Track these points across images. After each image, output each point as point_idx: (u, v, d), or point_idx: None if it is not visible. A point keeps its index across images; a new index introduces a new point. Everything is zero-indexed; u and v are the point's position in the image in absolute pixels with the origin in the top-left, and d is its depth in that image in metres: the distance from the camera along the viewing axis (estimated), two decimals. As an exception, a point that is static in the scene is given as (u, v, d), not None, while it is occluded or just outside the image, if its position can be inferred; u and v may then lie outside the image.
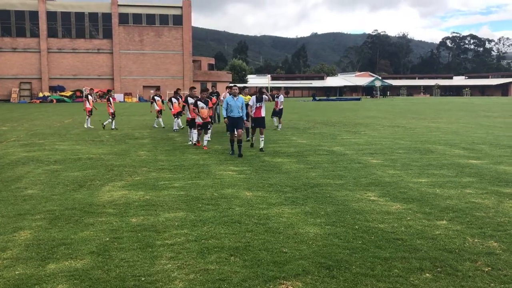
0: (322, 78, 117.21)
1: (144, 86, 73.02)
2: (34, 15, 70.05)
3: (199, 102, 14.17)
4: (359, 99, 78.94)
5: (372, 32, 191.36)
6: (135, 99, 70.88)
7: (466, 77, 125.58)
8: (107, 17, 71.98)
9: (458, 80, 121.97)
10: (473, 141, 15.67)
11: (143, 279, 4.40)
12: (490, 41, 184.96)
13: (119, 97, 69.26)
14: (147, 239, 5.59)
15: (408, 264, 4.68)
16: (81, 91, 67.97)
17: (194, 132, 15.04)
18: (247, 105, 13.98)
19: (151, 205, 7.23)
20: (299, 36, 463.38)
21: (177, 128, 20.72)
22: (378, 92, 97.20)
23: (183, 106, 17.02)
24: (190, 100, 15.28)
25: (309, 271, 4.53)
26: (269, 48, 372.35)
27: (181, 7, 73.36)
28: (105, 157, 12.56)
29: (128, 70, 72.70)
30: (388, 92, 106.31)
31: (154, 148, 14.52)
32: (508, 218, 6.36)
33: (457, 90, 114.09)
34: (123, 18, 72.33)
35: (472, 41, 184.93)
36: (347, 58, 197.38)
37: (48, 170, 10.60)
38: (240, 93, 14.58)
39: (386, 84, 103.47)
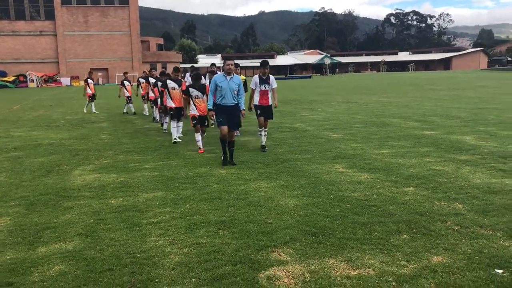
0: (272, 56, 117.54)
1: (91, 69, 70.57)
2: (-33, -5, 65.91)
3: (191, 89, 10.29)
4: (309, 77, 79.96)
5: (319, 10, 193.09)
6: (82, 83, 68.47)
7: (411, 53, 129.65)
8: (48, -3, 68.73)
9: (403, 56, 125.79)
10: (424, 114, 16.46)
11: (138, 255, 4.52)
12: (431, 17, 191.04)
13: (65, 81, 66.84)
14: (132, 219, 5.67)
15: (386, 227, 5.04)
16: (25, 76, 65.07)
17: (174, 126, 11.95)
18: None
19: (127, 187, 7.26)
20: (247, 15, 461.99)
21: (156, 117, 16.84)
22: (328, 70, 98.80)
23: (161, 91, 12.81)
24: (171, 84, 12.10)
25: (297, 238, 4.80)
26: (217, 27, 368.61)
27: (126, -14, 71.09)
28: (66, 142, 12.31)
29: (73, 52, 70.05)
30: (337, 69, 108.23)
31: (115, 132, 14.34)
32: (467, 182, 6.88)
33: (402, 66, 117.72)
34: (66, -2, 69.31)
35: (414, 17, 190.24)
36: (295, 36, 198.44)
37: (10, 157, 10.31)
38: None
39: (335, 61, 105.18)
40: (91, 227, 5.42)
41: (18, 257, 4.60)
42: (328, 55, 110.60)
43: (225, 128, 8.65)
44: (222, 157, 8.86)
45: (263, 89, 10.04)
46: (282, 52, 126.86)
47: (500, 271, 3.92)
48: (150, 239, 4.97)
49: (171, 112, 12.17)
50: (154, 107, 16.65)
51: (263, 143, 10.26)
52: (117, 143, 11.97)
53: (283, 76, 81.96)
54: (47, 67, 68.39)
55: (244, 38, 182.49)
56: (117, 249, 4.70)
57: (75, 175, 8.24)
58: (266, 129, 10.37)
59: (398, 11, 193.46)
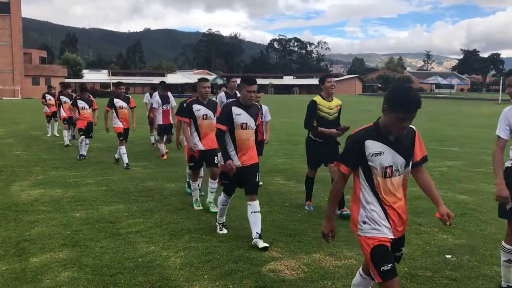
0: (162, 74, 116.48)
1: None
2: None
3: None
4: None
5: (207, 31, 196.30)
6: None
7: (294, 77, 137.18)
8: None
9: (288, 80, 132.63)
10: (327, 133, 18.03)
11: (140, 260, 4.80)
12: (311, 44, 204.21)
13: None
14: (109, 229, 5.84)
15: (347, 228, 5.83)
16: None
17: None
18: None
19: (82, 200, 7.28)
20: (131, 31, 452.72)
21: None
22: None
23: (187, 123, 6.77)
24: (196, 107, 6.69)
25: (278, 239, 5.43)
26: (100, 42, 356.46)
27: (7, -6, 66.13)
28: (-22, 158, 11.55)
29: None
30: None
31: (28, 147, 13.69)
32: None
33: (287, 89, 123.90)
34: None
35: (296, 43, 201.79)
36: (183, 55, 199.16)
37: None
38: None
39: (226, 82, 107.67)
40: (71, 238, 5.51)
41: (14, 267, 4.62)
42: (220, 76, 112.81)
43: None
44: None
45: None
46: (171, 70, 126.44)
47: (449, 256, 4.94)
48: (140, 246, 5.25)
49: (192, 164, 6.93)
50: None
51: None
52: (39, 159, 11.53)
53: (176, 95, 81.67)
54: None
55: (130, 55, 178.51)
56: (113, 256, 4.91)
57: (16, 191, 7.98)
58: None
59: (281, 37, 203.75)
